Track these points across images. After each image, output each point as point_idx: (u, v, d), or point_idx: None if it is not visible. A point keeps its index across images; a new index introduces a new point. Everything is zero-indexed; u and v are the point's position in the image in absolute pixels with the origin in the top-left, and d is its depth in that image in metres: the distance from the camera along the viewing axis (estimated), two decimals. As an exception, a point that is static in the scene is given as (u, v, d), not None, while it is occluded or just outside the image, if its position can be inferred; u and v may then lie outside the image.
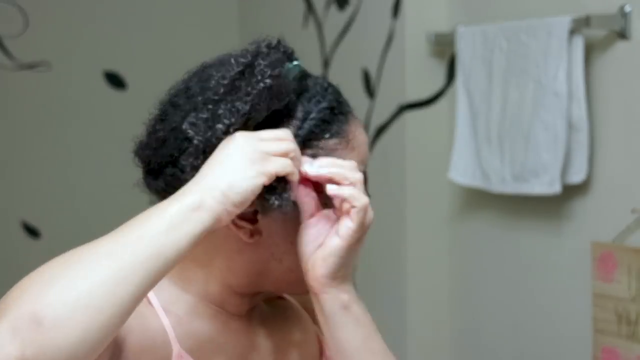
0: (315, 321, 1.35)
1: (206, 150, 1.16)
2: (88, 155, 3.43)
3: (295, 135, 1.19)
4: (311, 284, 1.20)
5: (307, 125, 1.21)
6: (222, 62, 1.22)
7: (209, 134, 1.16)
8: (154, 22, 3.51)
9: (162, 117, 1.23)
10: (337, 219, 1.19)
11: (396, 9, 2.80)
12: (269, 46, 1.21)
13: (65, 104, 3.40)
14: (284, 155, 1.15)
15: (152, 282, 1.05)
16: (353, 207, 1.17)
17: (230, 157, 1.13)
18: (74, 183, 3.41)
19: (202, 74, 1.23)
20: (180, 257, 1.07)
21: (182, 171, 1.19)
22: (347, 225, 1.17)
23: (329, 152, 1.22)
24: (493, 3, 2.66)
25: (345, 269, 1.20)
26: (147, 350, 1.16)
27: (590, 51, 2.35)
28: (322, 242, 1.19)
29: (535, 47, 2.41)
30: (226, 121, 1.16)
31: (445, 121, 2.79)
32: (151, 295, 1.21)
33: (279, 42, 1.22)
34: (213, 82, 1.19)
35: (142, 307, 1.17)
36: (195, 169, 1.15)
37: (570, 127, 2.34)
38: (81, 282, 1.00)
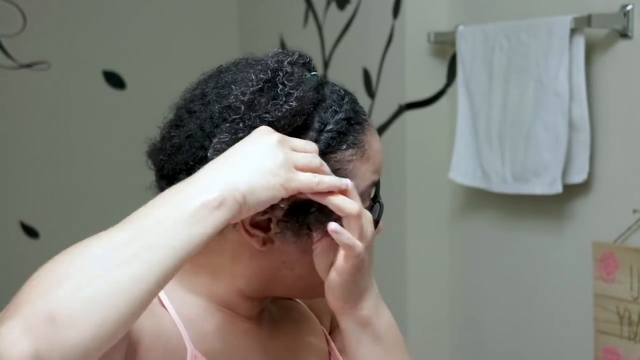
0: (321, 321, 1.35)
1: None
2: (87, 156, 3.42)
3: None
4: (330, 306, 1.21)
5: (324, 137, 1.20)
6: (241, 77, 1.20)
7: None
8: (154, 22, 3.50)
9: (177, 122, 1.22)
10: None
11: (396, 8, 2.79)
12: (291, 63, 1.19)
13: (64, 104, 3.40)
14: (311, 171, 1.13)
15: (168, 278, 1.03)
16: (349, 253, 1.16)
17: (257, 156, 1.10)
18: (72, 183, 3.40)
19: (218, 79, 1.22)
20: (196, 252, 1.05)
21: None
22: (341, 265, 1.17)
23: (345, 164, 1.20)
24: (493, 2, 2.65)
25: (357, 290, 1.19)
26: (161, 351, 1.16)
27: (591, 50, 2.34)
28: (331, 263, 1.18)
29: (536, 47, 2.40)
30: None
31: (445, 121, 2.79)
32: (163, 297, 1.21)
33: (299, 56, 1.21)
34: (232, 98, 1.18)
35: (155, 308, 1.18)
36: None
37: (571, 126, 2.34)
38: (96, 281, 0.98)
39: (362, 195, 1.21)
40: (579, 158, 2.35)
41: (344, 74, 2.97)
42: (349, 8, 3.00)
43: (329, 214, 1.16)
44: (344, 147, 1.21)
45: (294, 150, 1.13)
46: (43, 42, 3.36)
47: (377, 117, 2.87)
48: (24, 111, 3.36)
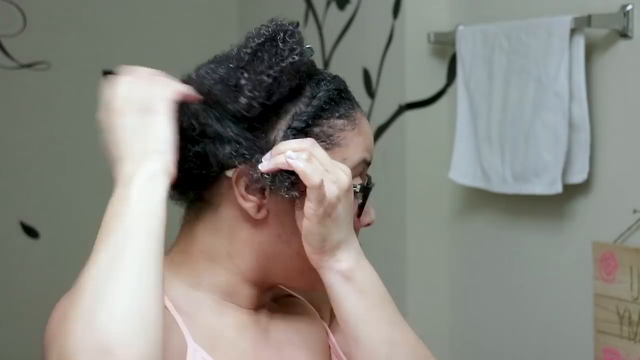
0: (322, 317, 1.36)
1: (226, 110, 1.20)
2: (87, 156, 3.42)
3: (304, 112, 1.21)
4: (311, 262, 1.21)
5: (316, 102, 1.22)
6: (237, 44, 1.25)
7: (232, 96, 1.19)
8: (154, 22, 3.50)
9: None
10: None
11: (396, 8, 2.79)
12: (292, 25, 1.24)
13: (64, 104, 3.39)
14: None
15: (160, 261, 1.07)
16: (309, 186, 1.18)
17: (130, 122, 1.14)
18: (72, 183, 3.40)
19: (213, 60, 1.27)
20: (164, 215, 1.10)
21: (193, 142, 1.21)
22: (308, 205, 1.18)
23: (337, 132, 1.23)
24: (493, 2, 2.65)
25: (330, 239, 1.19)
26: (164, 347, 1.16)
27: (591, 50, 2.34)
28: None
29: (536, 47, 2.40)
30: (249, 94, 1.18)
31: (445, 121, 2.79)
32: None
33: (297, 24, 1.25)
34: (235, 51, 1.22)
35: None
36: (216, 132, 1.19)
37: (571, 126, 2.34)
38: (122, 301, 1.03)
39: (354, 170, 1.23)
40: (579, 158, 2.35)
41: (344, 74, 2.93)
42: (349, 8, 3.00)
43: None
44: (337, 114, 1.24)
45: (153, 84, 1.17)
46: (43, 42, 3.36)
47: (377, 117, 2.87)
48: (24, 111, 3.36)
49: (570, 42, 2.32)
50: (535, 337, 2.56)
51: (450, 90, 2.79)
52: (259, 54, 1.20)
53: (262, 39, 1.21)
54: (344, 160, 1.22)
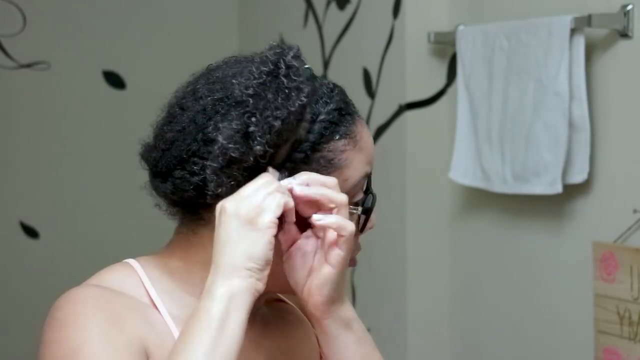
0: (313, 324, 1.36)
1: (235, 162, 1.17)
2: (87, 156, 3.42)
3: (305, 140, 1.20)
4: (312, 312, 1.22)
5: (317, 127, 1.21)
6: (239, 71, 1.21)
7: (244, 150, 1.17)
8: (154, 22, 3.50)
9: (169, 119, 1.24)
10: (317, 239, 1.20)
11: (396, 8, 2.79)
12: (294, 56, 1.21)
13: (64, 104, 3.40)
14: (273, 193, 1.16)
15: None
16: (341, 236, 1.17)
17: (231, 231, 1.14)
18: (72, 183, 3.40)
19: (209, 76, 1.24)
20: (242, 338, 1.14)
21: (192, 174, 1.19)
22: (338, 254, 1.18)
23: (338, 154, 1.22)
24: (493, 2, 2.65)
25: (340, 290, 1.21)
26: (163, 354, 1.18)
27: (591, 50, 2.34)
28: (312, 268, 1.20)
29: (536, 47, 2.40)
30: (261, 139, 1.17)
31: (445, 121, 2.79)
32: (158, 302, 1.23)
33: (298, 49, 1.23)
34: (236, 91, 1.19)
35: (151, 315, 1.20)
36: (217, 174, 1.17)
37: (572, 126, 2.34)
38: None
39: (355, 187, 1.23)
40: (579, 158, 2.34)
41: (344, 74, 2.97)
42: (349, 8, 3.00)
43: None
44: (337, 137, 1.22)
45: (249, 196, 1.16)
46: (43, 42, 3.36)
47: (377, 117, 2.87)
48: (24, 111, 3.36)
49: (570, 42, 2.32)
50: (535, 337, 2.56)
51: (450, 90, 2.79)
52: (263, 94, 1.18)
53: (263, 78, 1.19)
54: (345, 181, 1.22)
